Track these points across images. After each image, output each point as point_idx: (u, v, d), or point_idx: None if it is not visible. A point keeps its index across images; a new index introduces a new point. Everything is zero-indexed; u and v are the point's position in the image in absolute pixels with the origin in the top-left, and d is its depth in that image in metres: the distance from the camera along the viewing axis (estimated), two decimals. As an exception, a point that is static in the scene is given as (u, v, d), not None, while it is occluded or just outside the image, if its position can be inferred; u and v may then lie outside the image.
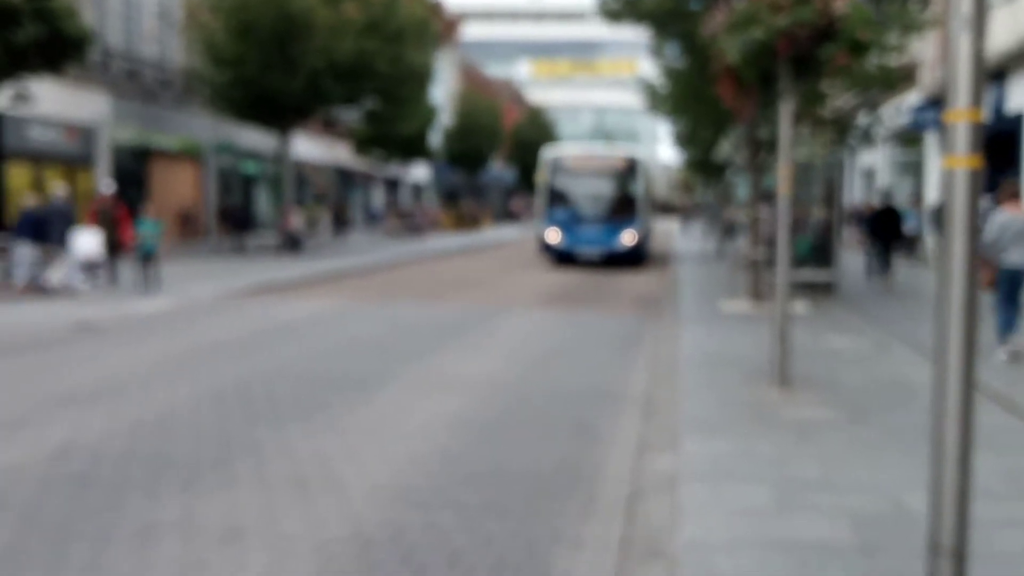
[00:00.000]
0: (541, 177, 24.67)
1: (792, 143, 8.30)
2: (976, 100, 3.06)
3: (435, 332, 11.86)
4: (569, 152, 25.39)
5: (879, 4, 6.86)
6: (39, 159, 22.73)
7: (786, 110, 8.11)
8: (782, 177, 8.18)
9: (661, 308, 14.44)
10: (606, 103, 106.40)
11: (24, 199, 16.40)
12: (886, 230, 17.25)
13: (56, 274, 15.01)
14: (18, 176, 22.26)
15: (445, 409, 7.33)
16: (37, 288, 14.77)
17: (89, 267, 14.68)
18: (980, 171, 3.11)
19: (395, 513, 4.86)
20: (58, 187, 17.05)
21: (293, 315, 13.27)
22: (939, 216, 17.48)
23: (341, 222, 38.00)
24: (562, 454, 6.09)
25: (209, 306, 14.19)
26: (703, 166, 31.33)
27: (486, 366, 9.40)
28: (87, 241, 14.46)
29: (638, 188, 23.83)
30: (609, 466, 5.84)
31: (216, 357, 9.64)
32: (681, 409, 7.11)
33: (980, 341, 10.73)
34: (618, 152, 25.73)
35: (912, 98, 22.48)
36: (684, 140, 27.43)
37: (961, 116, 3.07)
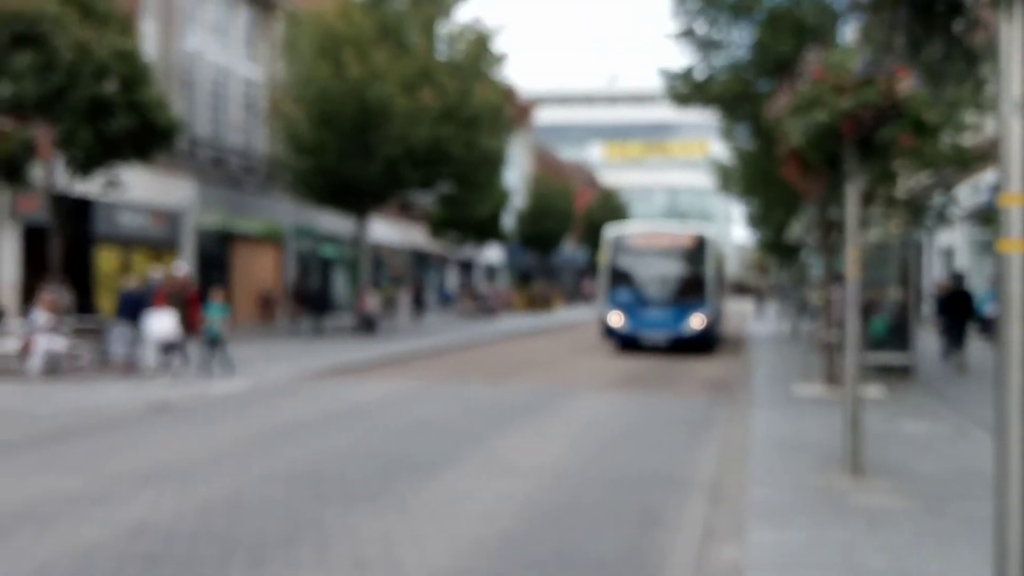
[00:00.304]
0: (603, 257, 23.47)
1: (860, 224, 8.23)
2: (1030, 185, 3.04)
3: (502, 414, 11.87)
4: (632, 230, 24.17)
5: (948, 84, 6.87)
6: (127, 243, 23.71)
7: (853, 192, 8.07)
8: (850, 259, 8.09)
9: (732, 391, 14.22)
10: (679, 184, 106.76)
11: (123, 280, 17.18)
12: (959, 311, 16.67)
13: (151, 353, 15.60)
14: (107, 259, 23.23)
15: (509, 492, 7.31)
16: (133, 367, 15.34)
17: (167, 348, 15.08)
18: (1037, 255, 3.07)
19: (454, 597, 4.85)
20: (155, 269, 17.87)
21: (365, 396, 13.43)
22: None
23: (419, 303, 38.54)
24: (626, 541, 6.00)
25: (283, 387, 14.46)
26: (776, 247, 31.07)
27: (551, 450, 9.35)
28: (163, 322, 14.86)
29: (707, 268, 22.31)
30: (674, 554, 5.73)
31: (287, 438, 9.79)
32: (749, 496, 6.96)
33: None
34: (685, 230, 24.29)
35: (990, 176, 22.05)
36: (756, 221, 27.30)
37: (1015, 200, 3.05)
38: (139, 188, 22.20)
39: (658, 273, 22.58)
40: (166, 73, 25.07)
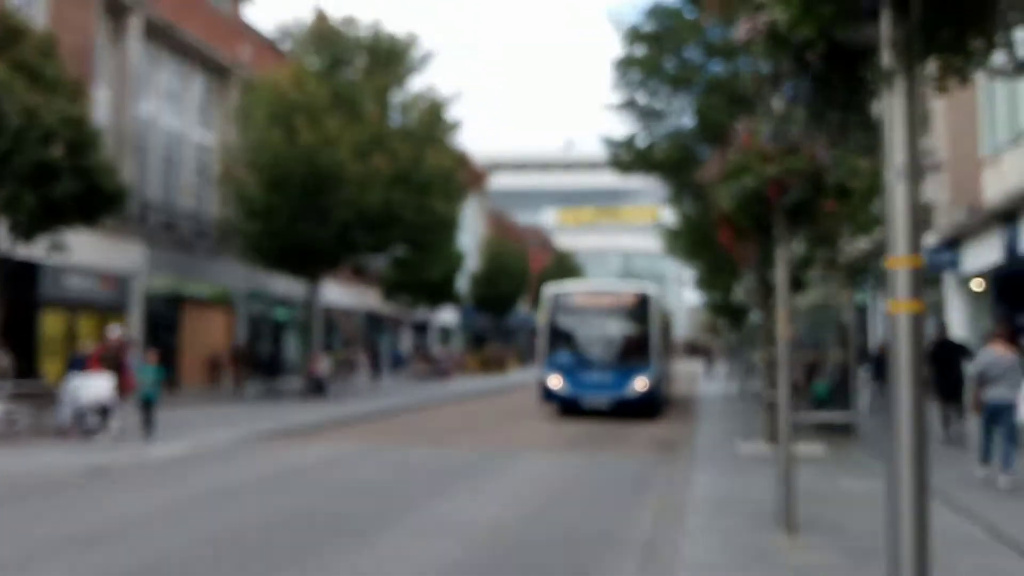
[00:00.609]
0: (542, 316, 22.13)
1: (797, 287, 8.39)
2: (914, 247, 3.15)
3: (443, 476, 11.76)
4: (572, 288, 23.09)
5: (850, 152, 7.11)
6: (74, 306, 23.32)
7: (782, 255, 8.24)
8: (780, 320, 8.22)
9: (676, 450, 14.26)
10: (632, 247, 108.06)
11: (80, 345, 17.01)
12: (947, 369, 13.81)
13: (88, 417, 15.30)
14: (53, 323, 22.80)
15: (441, 555, 7.21)
16: (85, 431, 15.04)
17: (101, 411, 14.75)
18: (922, 315, 3.16)
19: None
20: (112, 330, 17.51)
21: (306, 459, 13.23)
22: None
23: (375, 366, 38.28)
24: (556, 602, 5.94)
25: (224, 450, 14.20)
26: (725, 308, 31.47)
27: (489, 510, 9.27)
28: (98, 385, 14.57)
29: (651, 327, 21.02)
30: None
31: (220, 502, 9.60)
32: (682, 553, 6.95)
33: (957, 472, 10.51)
34: (627, 288, 23.14)
35: (929, 240, 22.65)
36: (703, 283, 27.67)
37: (901, 263, 3.15)
38: (87, 251, 21.94)
39: (599, 333, 21.47)
40: (118, 138, 24.99)
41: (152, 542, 7.53)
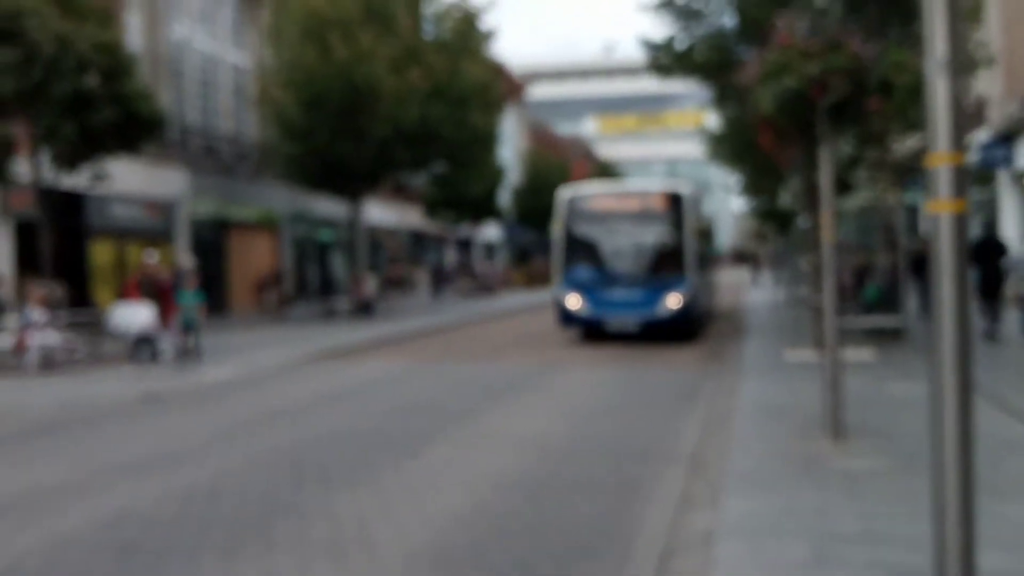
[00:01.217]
0: (556, 226, 19.21)
1: (834, 190, 8.19)
2: (956, 143, 3.02)
3: (491, 391, 11.91)
4: (591, 190, 19.91)
5: (889, 44, 6.84)
6: (121, 235, 23.70)
7: (826, 157, 8.03)
8: (825, 224, 8.06)
9: (723, 359, 14.25)
10: (676, 155, 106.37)
11: (131, 272, 17.46)
12: (989, 267, 14.25)
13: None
14: (102, 252, 23.23)
15: (489, 467, 7.34)
16: (137, 359, 15.60)
17: (142, 340, 14.87)
18: (966, 214, 3.05)
19: (425, 574, 4.87)
20: (184, 258, 18.02)
21: (354, 379, 13.47)
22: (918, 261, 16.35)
23: (436, 283, 38.59)
24: (603, 511, 6.03)
25: (273, 373, 14.50)
26: (771, 214, 31.03)
27: (538, 424, 9.39)
28: (140, 314, 14.56)
29: (686, 233, 18.03)
30: (648, 523, 5.76)
31: (272, 423, 9.84)
32: (728, 464, 6.98)
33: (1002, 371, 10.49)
34: (656, 187, 20.19)
35: (981, 135, 21.98)
36: (748, 189, 27.21)
37: (942, 159, 3.03)
38: (130, 180, 22.17)
39: (624, 242, 18.53)
40: (153, 64, 24.96)
41: (207, 465, 7.76)
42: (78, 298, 19.33)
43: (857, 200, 16.53)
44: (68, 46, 15.66)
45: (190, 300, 15.50)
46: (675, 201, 18.32)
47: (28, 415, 10.74)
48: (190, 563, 5.15)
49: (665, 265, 17.95)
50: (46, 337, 15.21)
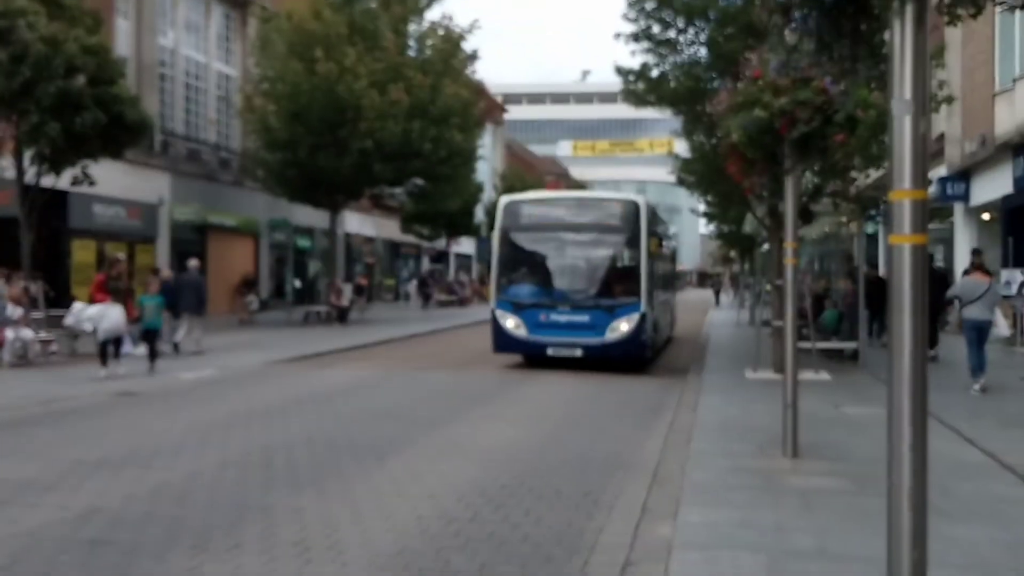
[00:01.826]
0: (495, 238, 16.31)
1: (797, 218, 8.28)
2: (919, 181, 3.06)
3: (461, 399, 11.87)
4: (533, 196, 17.33)
5: (858, 83, 6.88)
6: (103, 236, 23.43)
7: (791, 186, 8.12)
8: (788, 250, 8.14)
9: (686, 377, 14.31)
10: (647, 178, 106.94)
11: (161, 272, 17.88)
12: (931, 294, 15.73)
13: (192, 337, 17.00)
14: (83, 252, 22.95)
15: (456, 476, 7.30)
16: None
17: (116, 341, 14.29)
18: (926, 247, 3.09)
19: (390, 578, 4.83)
20: (190, 261, 18.58)
21: (327, 384, 13.37)
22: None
23: (426, 296, 38.62)
24: (565, 521, 6.01)
25: (248, 375, 14.37)
26: (736, 238, 31.25)
27: (506, 433, 9.36)
28: (108, 314, 13.82)
29: (641, 249, 15.27)
30: (609, 534, 5.74)
31: (244, 425, 9.73)
32: (688, 477, 7.00)
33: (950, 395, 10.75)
34: (609, 196, 18.25)
35: (940, 171, 22.30)
36: (714, 214, 27.39)
37: (905, 195, 3.07)
38: (114, 182, 21.93)
39: (569, 258, 15.89)
40: (140, 69, 24.77)
41: (178, 464, 7.65)
42: (57, 296, 19.06)
43: (818, 228, 16.70)
44: (57, 48, 15.51)
45: (152, 304, 15.00)
46: (629, 211, 15.64)
47: (2, 410, 10.54)
48: (157, 560, 5.06)
49: (616, 284, 15.41)
50: (22, 333, 14.97)
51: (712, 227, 40.47)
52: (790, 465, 7.48)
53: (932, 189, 22.60)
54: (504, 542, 5.51)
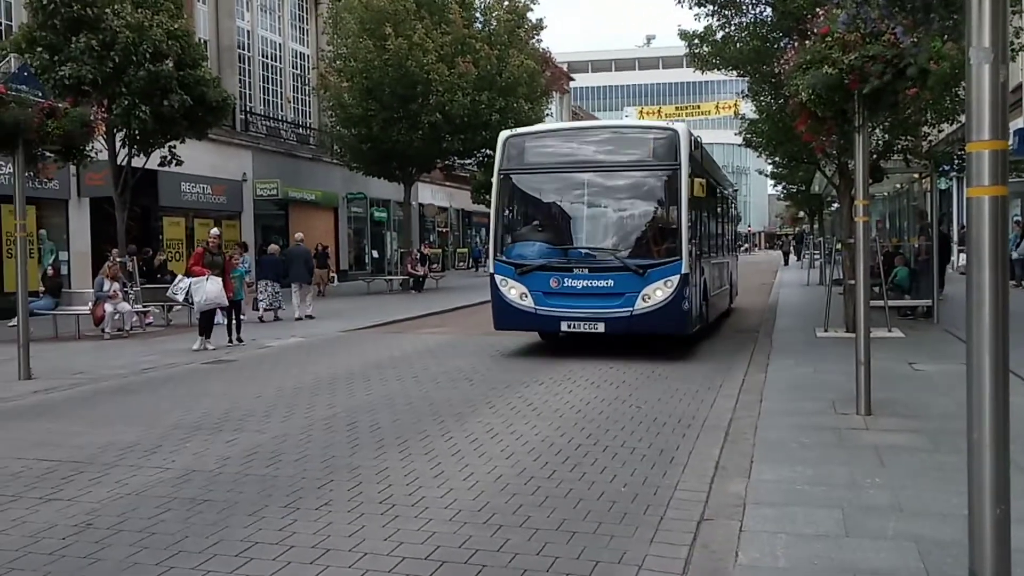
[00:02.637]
0: (494, 184, 12.71)
1: (867, 176, 8.02)
2: (999, 131, 2.93)
3: (532, 362, 11.89)
4: (542, 129, 13.92)
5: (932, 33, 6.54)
6: (191, 212, 24.05)
7: (861, 144, 7.85)
8: (858, 208, 7.91)
9: (757, 335, 14.08)
10: (714, 141, 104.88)
11: (270, 247, 19.37)
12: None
13: (304, 306, 18.39)
14: (173, 229, 23.60)
15: (532, 436, 7.33)
16: (276, 318, 17.96)
17: (212, 311, 14.52)
18: (1006, 199, 2.96)
19: (472, 531, 4.89)
20: (296, 234, 20.21)
21: (405, 349, 13.56)
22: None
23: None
24: (639, 479, 5.99)
25: (333, 341, 14.64)
26: (805, 198, 30.55)
27: (576, 395, 9.35)
28: (214, 288, 14.13)
29: (679, 192, 11.74)
30: (683, 491, 5.71)
31: (331, 388, 9.94)
32: (760, 435, 6.91)
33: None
34: (641, 125, 15.29)
35: (1019, 123, 21.35)
36: (782, 175, 26.78)
37: (984, 146, 2.94)
38: (199, 161, 22.45)
39: (588, 205, 12.40)
40: (219, 51, 25.19)
41: (270, 426, 7.86)
42: (150, 271, 19.67)
43: (889, 185, 16.19)
44: (143, 34, 15.86)
45: (235, 275, 15.24)
46: (665, 144, 11.90)
47: (104, 378, 10.97)
48: (253, 517, 5.22)
49: (649, 239, 12.09)
50: (119, 306, 15.50)
51: (780, 188, 39.63)
52: (863, 422, 7.31)
53: (1010, 141, 21.62)
54: (581, 499, 5.52)
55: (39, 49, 15.58)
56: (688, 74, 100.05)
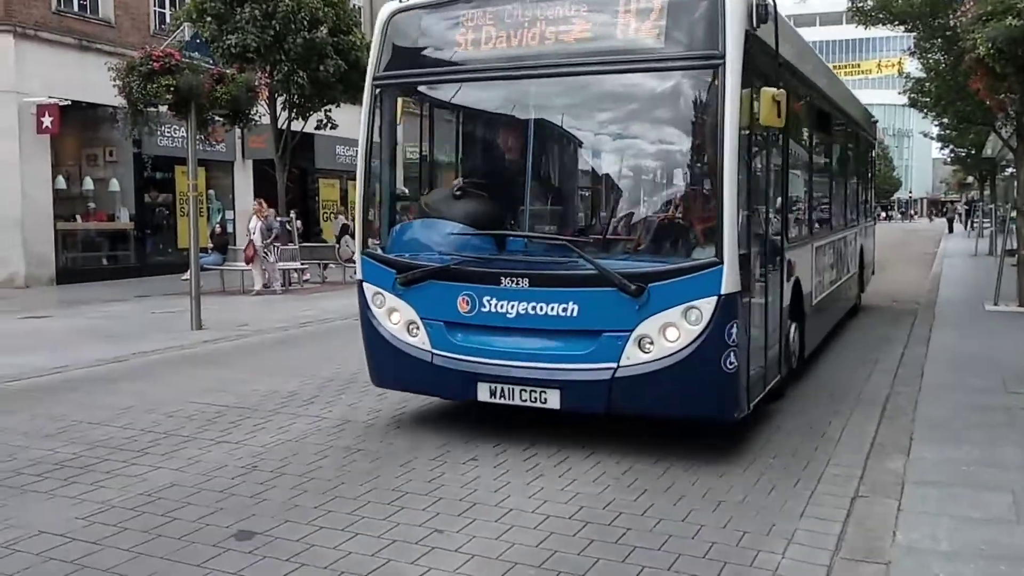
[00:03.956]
0: (364, 112, 6.69)
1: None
2: None
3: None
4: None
5: None
6: (344, 175, 24.91)
7: (1047, 101, 7.26)
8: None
9: (917, 308, 13.37)
10: (875, 101, 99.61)
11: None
12: None
13: None
14: (328, 190, 24.55)
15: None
16: None
17: None
18: None
19: (617, 495, 4.88)
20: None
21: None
22: None
23: None
24: (789, 451, 5.82)
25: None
26: (975, 161, 28.63)
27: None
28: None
29: (724, 121, 5.13)
30: (836, 467, 5.50)
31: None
32: (921, 412, 6.56)
33: None
34: None
35: None
36: (950, 137, 25.15)
37: None
38: (353, 124, 23.07)
39: (541, 151, 6.33)
40: (372, 16, 25.81)
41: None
42: (307, 231, 20.57)
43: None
44: (300, 2, 16.44)
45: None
46: (697, 12, 5.40)
47: (266, 331, 11.58)
48: (404, 468, 5.40)
49: (655, 219, 5.98)
50: (275, 262, 16.17)
51: (947, 151, 37.21)
52: (1036, 402, 6.83)
53: None
54: (726, 471, 5.42)
55: (208, 19, 16.39)
56: (848, 31, 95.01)
